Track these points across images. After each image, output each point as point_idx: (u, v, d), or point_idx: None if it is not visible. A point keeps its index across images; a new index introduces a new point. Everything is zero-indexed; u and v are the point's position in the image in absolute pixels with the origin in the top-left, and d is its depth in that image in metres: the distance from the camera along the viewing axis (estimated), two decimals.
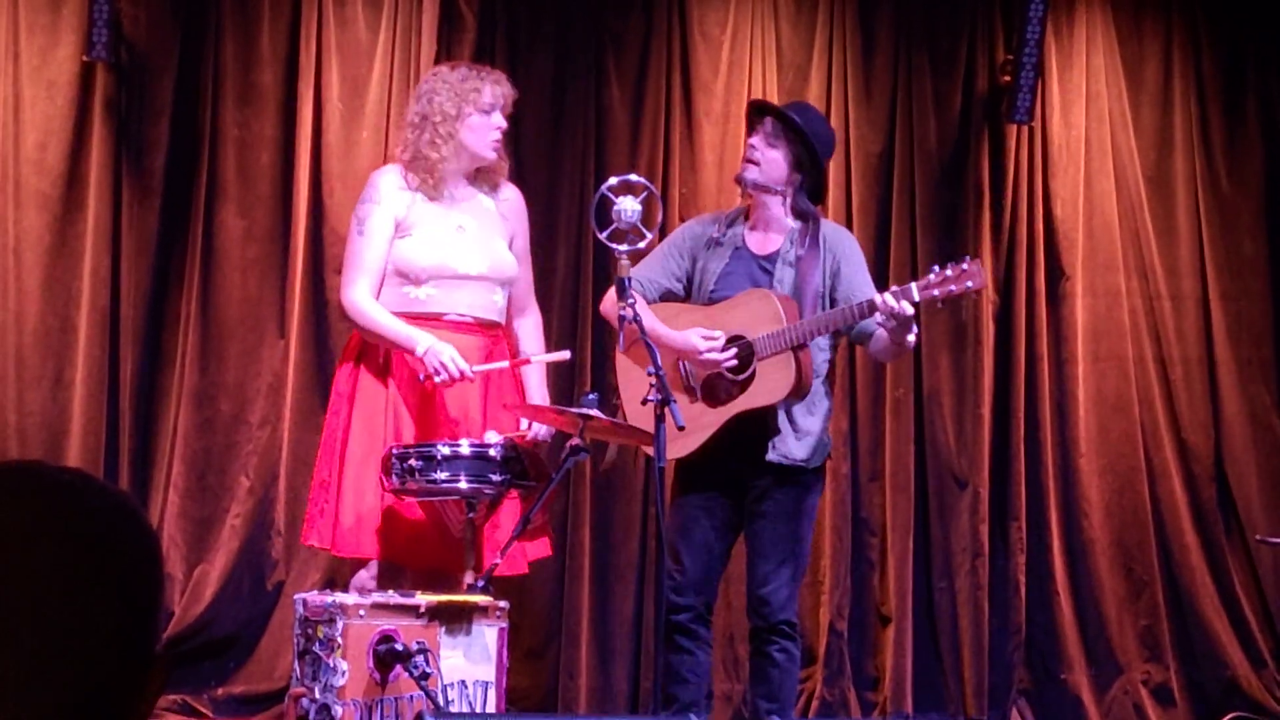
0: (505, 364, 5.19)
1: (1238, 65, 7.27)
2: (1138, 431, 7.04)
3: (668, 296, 5.23)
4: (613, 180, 4.92)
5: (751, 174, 5.18)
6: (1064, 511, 6.99)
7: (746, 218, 5.27)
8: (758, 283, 5.14)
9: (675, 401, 4.64)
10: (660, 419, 4.60)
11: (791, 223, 5.20)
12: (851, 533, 6.78)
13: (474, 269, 5.18)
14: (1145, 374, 7.08)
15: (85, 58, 6.27)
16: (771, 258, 5.18)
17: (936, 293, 4.87)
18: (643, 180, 4.97)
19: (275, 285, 6.45)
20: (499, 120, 5.25)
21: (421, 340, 5.00)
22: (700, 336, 5.05)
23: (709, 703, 5.27)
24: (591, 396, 4.86)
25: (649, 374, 4.64)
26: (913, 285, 4.88)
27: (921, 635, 6.81)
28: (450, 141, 5.18)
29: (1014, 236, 7.03)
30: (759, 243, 5.22)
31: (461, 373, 4.99)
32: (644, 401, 4.66)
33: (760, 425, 5.06)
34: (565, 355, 5.37)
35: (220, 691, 6.29)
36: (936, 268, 4.93)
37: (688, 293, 5.24)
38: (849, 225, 6.79)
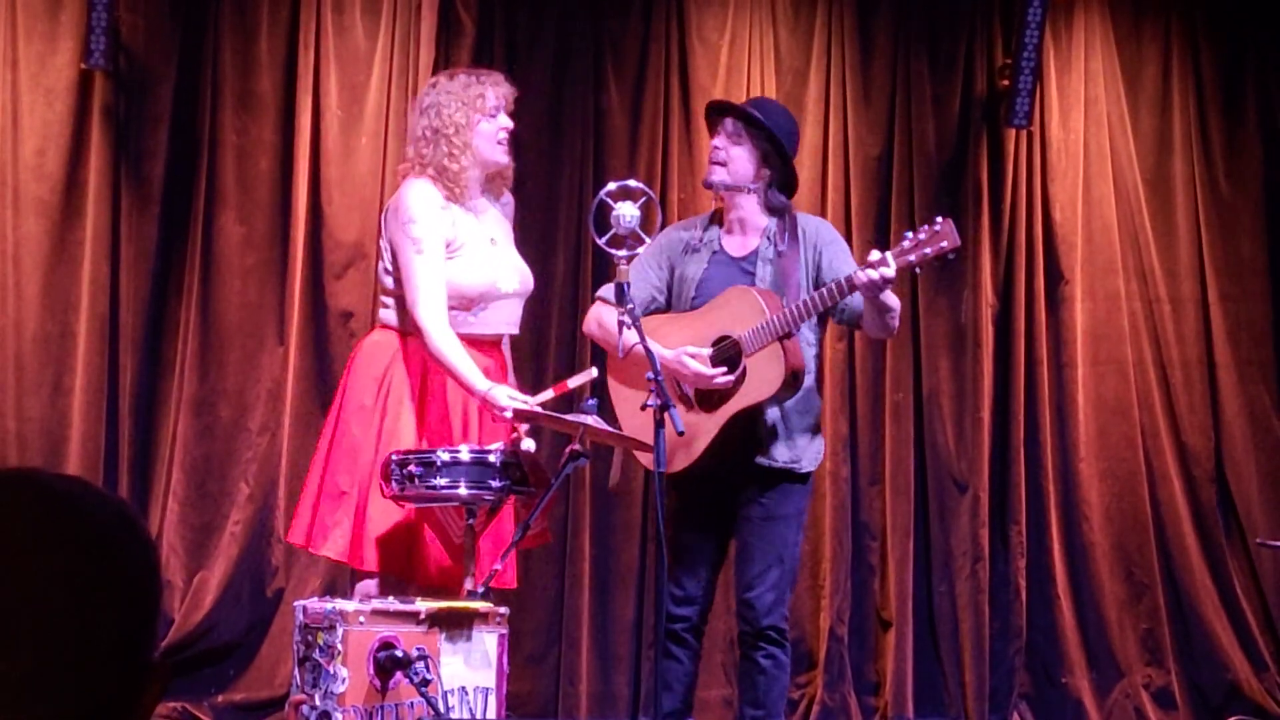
0: (550, 394, 5.12)
1: (1237, 68, 7.27)
2: (1138, 434, 7.03)
3: (652, 307, 5.18)
4: (611, 185, 4.89)
5: (719, 176, 5.12)
6: (1064, 515, 6.98)
7: (720, 221, 5.22)
8: (738, 284, 5.07)
9: (675, 407, 4.62)
10: (660, 424, 4.57)
11: (766, 220, 5.14)
12: (851, 537, 6.77)
13: (511, 286, 5.16)
14: (1145, 377, 7.07)
15: (83, 65, 6.27)
16: (750, 258, 5.12)
17: (913, 258, 4.84)
18: (641, 185, 4.94)
19: (275, 291, 6.45)
20: (504, 121, 5.19)
21: (480, 381, 4.95)
22: (688, 356, 5.01)
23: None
24: (591, 403, 4.83)
25: (648, 379, 4.61)
26: (888, 254, 4.82)
27: (922, 639, 6.81)
28: (467, 152, 5.11)
29: (1013, 240, 7.03)
30: (736, 245, 5.16)
31: (527, 404, 4.96)
32: (643, 406, 4.64)
33: (751, 428, 5.02)
34: (592, 373, 5.25)
35: (220, 699, 6.29)
36: (909, 233, 4.89)
37: (669, 302, 5.21)
38: (848, 228, 6.80)
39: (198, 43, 6.46)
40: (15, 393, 6.24)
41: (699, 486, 5.07)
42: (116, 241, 6.36)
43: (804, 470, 5.09)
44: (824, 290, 4.91)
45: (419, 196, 5.08)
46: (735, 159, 5.10)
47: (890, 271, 4.77)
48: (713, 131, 5.20)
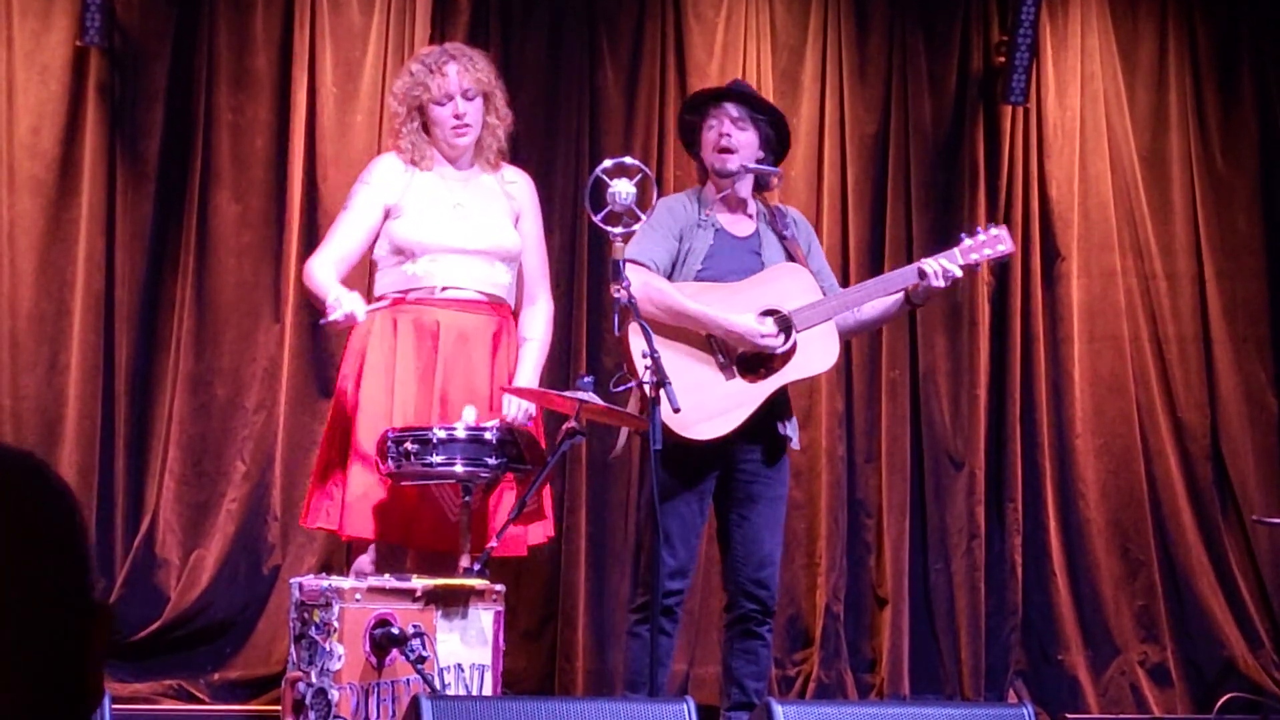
0: (386, 303, 5.22)
1: (1232, 44, 7.26)
2: (1134, 411, 7.03)
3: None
4: (607, 163, 4.91)
5: (733, 164, 5.19)
6: (1060, 492, 6.99)
7: (705, 199, 5.32)
8: (745, 263, 5.21)
9: (671, 384, 4.64)
10: (656, 401, 4.60)
11: (753, 201, 5.31)
12: (847, 514, 6.77)
13: (473, 243, 5.21)
14: (1141, 353, 7.08)
15: (78, 42, 6.26)
16: (752, 239, 5.27)
17: (975, 256, 5.24)
18: (637, 163, 4.96)
19: (270, 269, 6.44)
20: (460, 107, 5.27)
21: (332, 291, 5.06)
22: (758, 321, 5.09)
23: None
24: (587, 380, 4.85)
25: (643, 355, 4.65)
26: (955, 250, 5.21)
27: (918, 617, 6.81)
28: (415, 136, 5.29)
29: (1009, 217, 7.02)
30: (734, 224, 5.28)
31: (351, 315, 4.99)
32: (640, 384, 4.66)
33: (773, 404, 5.13)
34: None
35: (216, 676, 6.29)
36: (966, 236, 5.29)
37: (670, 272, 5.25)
38: (844, 206, 6.82)
39: (193, 20, 6.44)
40: (10, 370, 6.23)
41: (705, 459, 5.11)
42: (112, 219, 6.35)
43: (795, 446, 5.32)
44: (894, 275, 5.28)
45: (379, 165, 5.40)
46: (744, 145, 5.21)
47: (957, 270, 5.14)
48: (703, 115, 5.25)
